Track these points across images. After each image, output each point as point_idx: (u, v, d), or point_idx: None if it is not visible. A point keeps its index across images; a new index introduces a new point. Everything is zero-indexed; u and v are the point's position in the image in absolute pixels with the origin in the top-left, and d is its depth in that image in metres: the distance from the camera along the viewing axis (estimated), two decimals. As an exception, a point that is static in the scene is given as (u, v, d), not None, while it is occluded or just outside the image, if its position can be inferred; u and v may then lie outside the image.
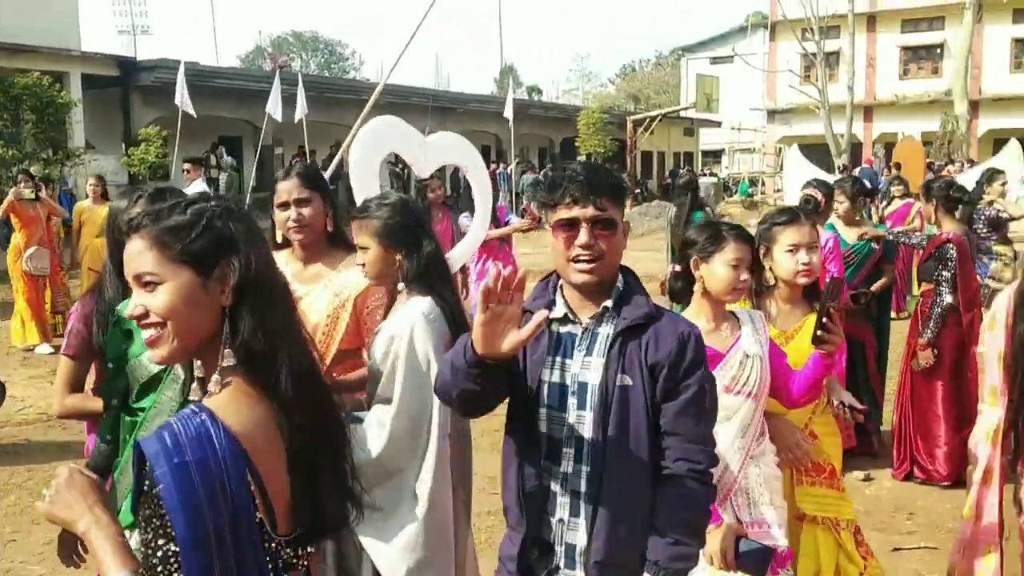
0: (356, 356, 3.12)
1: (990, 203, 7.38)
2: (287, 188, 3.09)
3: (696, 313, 2.77)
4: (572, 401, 2.08)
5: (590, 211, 2.04)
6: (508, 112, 21.98)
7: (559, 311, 2.14)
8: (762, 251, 3.15)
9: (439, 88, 37.18)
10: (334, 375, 2.99)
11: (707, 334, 2.46)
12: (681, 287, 2.89)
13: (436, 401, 2.64)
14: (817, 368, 2.73)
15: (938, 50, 35.30)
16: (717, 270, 2.72)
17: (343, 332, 3.09)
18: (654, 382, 2.04)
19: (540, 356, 2.10)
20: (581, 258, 2.04)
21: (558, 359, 2.12)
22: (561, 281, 2.17)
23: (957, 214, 5.53)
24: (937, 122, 29.32)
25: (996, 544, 2.95)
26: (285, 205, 3.09)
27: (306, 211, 3.08)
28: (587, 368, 2.08)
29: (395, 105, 22.77)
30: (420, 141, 5.18)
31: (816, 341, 2.64)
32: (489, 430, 5.48)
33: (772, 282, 3.23)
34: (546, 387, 2.11)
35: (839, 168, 23.57)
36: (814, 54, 31.55)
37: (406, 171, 20.09)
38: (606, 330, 2.10)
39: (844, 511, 3.17)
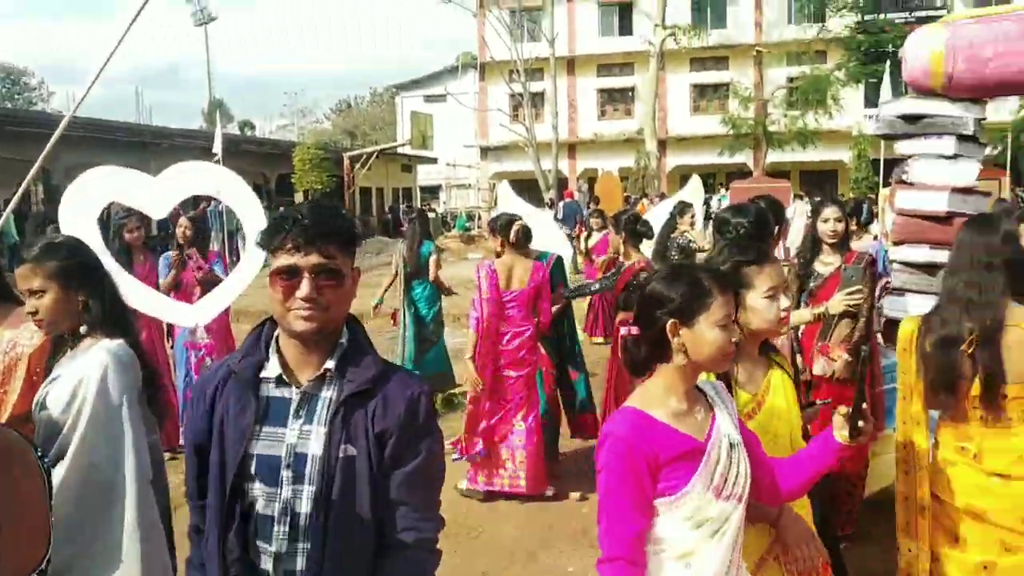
0: (31, 421, 2.72)
1: (682, 233, 7.95)
2: None
3: (666, 391, 2.11)
4: (287, 474, 1.86)
5: (314, 259, 1.82)
6: (217, 147, 21.03)
7: (272, 371, 1.91)
8: None
9: (140, 123, 34.90)
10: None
11: (679, 419, 2.07)
12: (645, 358, 2.16)
13: (130, 445, 2.42)
14: (827, 458, 2.25)
15: (630, 93, 38.41)
16: (704, 335, 2.08)
17: (17, 393, 2.74)
18: (381, 450, 1.87)
19: (247, 425, 1.86)
20: (302, 311, 1.83)
21: (269, 428, 1.88)
22: (278, 333, 1.93)
23: (642, 245, 5.90)
24: (632, 159, 31.86)
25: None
26: None
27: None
28: (306, 438, 1.86)
29: (92, 140, 21.05)
30: (146, 182, 4.83)
31: (853, 432, 2.19)
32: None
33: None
34: (254, 460, 1.87)
35: (547, 202, 24.81)
36: (521, 95, 33.16)
37: (105, 211, 18.55)
38: (328, 394, 1.89)
39: None
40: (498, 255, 5.84)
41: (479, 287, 5.66)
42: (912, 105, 4.45)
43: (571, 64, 38.42)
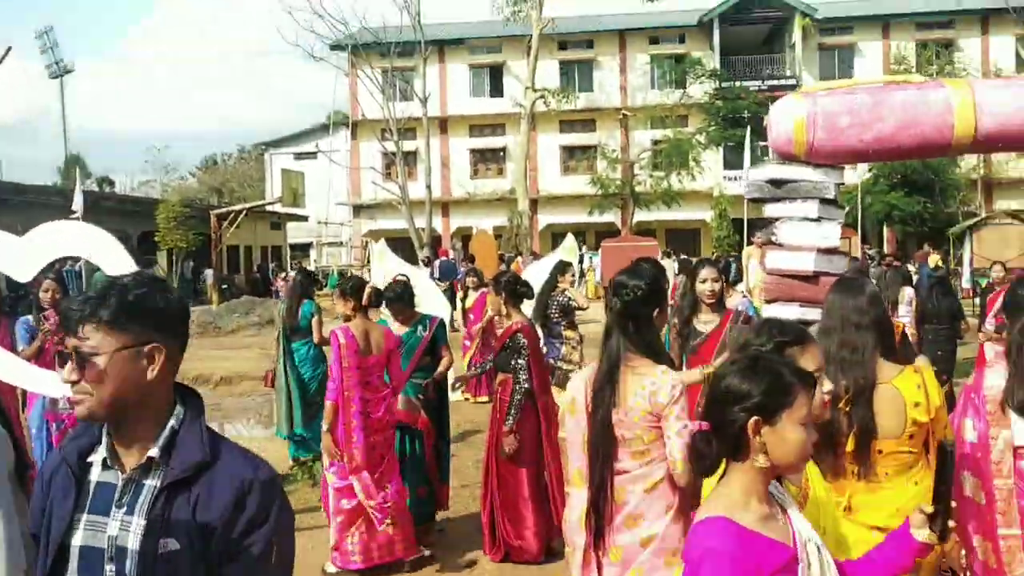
0: None
1: (563, 291, 8.06)
2: None
3: (745, 494, 1.91)
4: (110, 568, 1.71)
5: (72, 342, 1.72)
6: (78, 204, 20.22)
7: (100, 454, 1.77)
8: None
9: (-10, 177, 33.04)
10: None
11: (766, 524, 1.89)
12: (717, 457, 1.96)
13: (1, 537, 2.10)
14: (905, 559, 2.04)
15: (502, 153, 39.08)
16: (788, 434, 1.89)
17: None
18: (207, 544, 1.71)
19: (66, 512, 1.72)
20: (74, 395, 1.72)
21: (93, 517, 1.73)
22: None
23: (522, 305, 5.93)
24: (505, 217, 32.30)
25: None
26: None
27: None
28: (126, 529, 1.71)
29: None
30: (13, 242, 4.53)
31: (943, 534, 1.99)
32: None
33: None
34: (77, 552, 1.72)
35: (423, 261, 24.79)
36: (394, 153, 33.24)
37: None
38: (152, 482, 1.74)
39: None
40: (348, 319, 5.63)
41: (337, 353, 5.39)
42: (778, 170, 4.68)
43: (444, 124, 38.85)
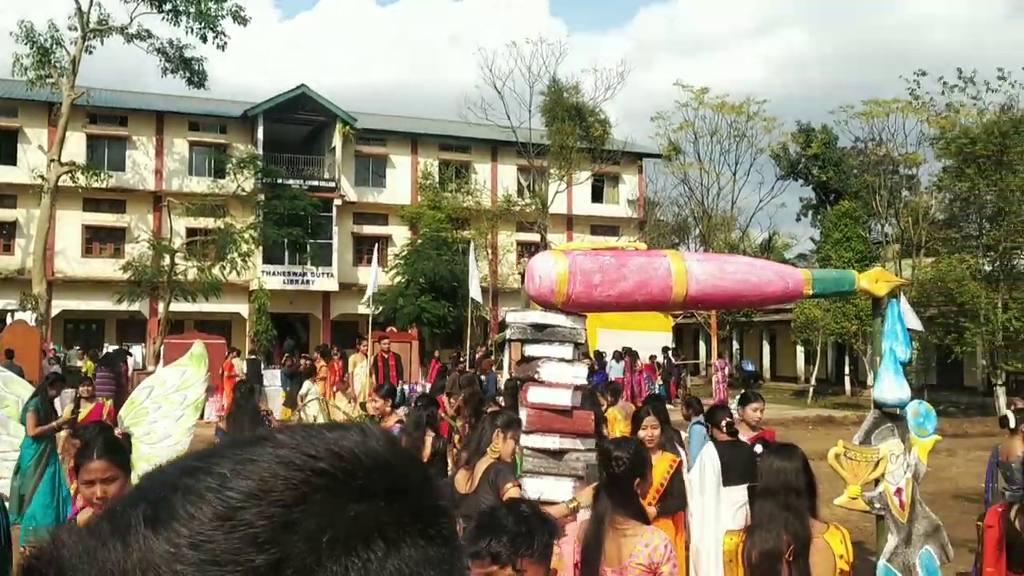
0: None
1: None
2: None
3: None
4: None
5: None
6: None
7: None
8: None
9: None
10: None
11: None
12: None
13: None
14: None
15: (13, 228, 34.62)
16: None
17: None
18: None
19: None
20: None
21: None
22: None
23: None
24: (16, 300, 28.63)
25: None
26: None
27: None
28: None
29: None
30: None
31: None
32: None
33: None
34: None
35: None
36: None
37: None
38: None
39: None
40: None
41: None
42: (539, 316, 5.32)
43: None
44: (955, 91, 28.98)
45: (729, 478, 5.97)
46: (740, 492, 5.76)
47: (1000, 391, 22.16)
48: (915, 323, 5.81)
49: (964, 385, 28.84)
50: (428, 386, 16.56)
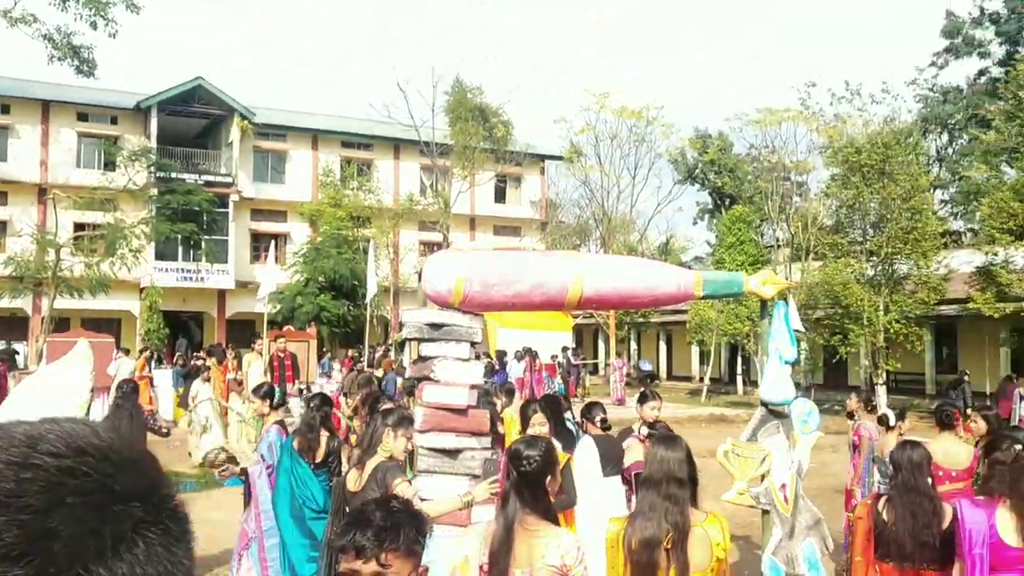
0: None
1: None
2: None
3: None
4: None
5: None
6: None
7: None
8: None
9: None
10: None
11: None
12: None
13: None
14: None
15: None
16: None
17: None
18: None
19: None
20: None
21: None
22: None
23: None
24: None
25: None
26: None
27: None
28: None
29: None
30: None
31: None
32: None
33: None
34: None
35: None
36: None
37: None
38: None
39: None
40: None
41: None
42: (435, 315, 5.30)
43: None
44: (842, 102, 30.32)
45: (606, 469, 6.37)
46: (618, 480, 6.43)
47: (881, 390, 23.17)
48: (797, 324, 6.02)
49: (849, 384, 30.08)
50: (325, 384, 16.32)
